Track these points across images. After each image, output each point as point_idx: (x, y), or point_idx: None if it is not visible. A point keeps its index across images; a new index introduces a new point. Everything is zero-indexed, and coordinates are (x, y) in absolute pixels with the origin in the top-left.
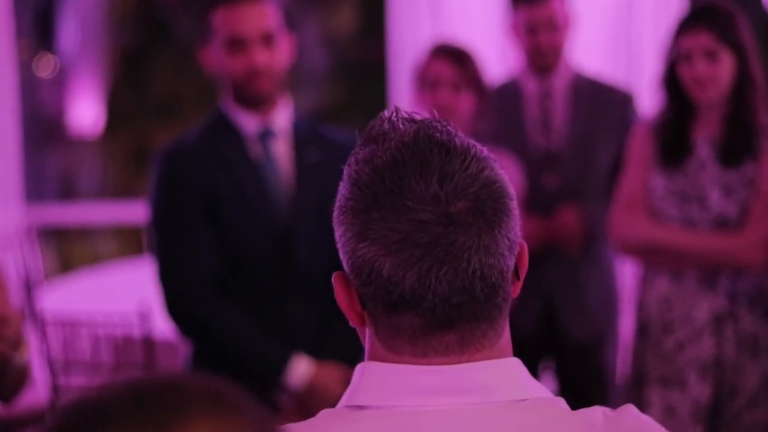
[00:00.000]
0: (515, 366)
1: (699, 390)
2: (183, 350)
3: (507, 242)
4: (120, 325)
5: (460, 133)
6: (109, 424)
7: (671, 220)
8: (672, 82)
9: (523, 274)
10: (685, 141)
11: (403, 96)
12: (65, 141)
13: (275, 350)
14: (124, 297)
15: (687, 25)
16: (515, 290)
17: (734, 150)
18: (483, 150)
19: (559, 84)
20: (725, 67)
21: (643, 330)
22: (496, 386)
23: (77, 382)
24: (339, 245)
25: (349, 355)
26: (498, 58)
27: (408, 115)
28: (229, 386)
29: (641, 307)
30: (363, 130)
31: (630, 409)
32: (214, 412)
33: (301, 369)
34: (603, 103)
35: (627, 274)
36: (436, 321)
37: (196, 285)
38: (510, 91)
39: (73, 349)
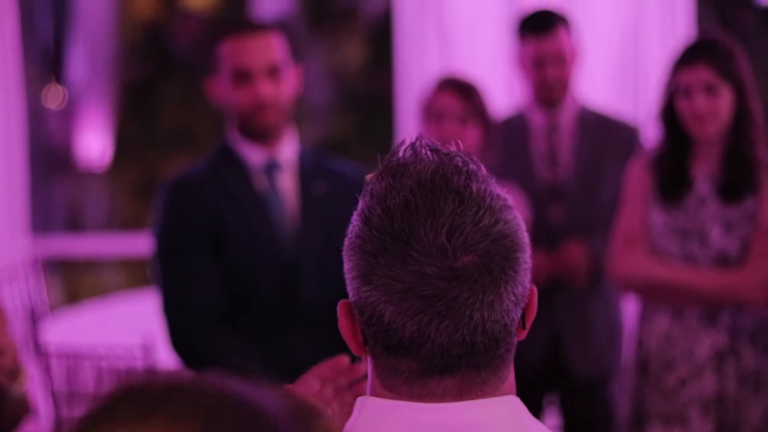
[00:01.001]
0: (514, 404)
1: (701, 427)
2: None
3: (513, 297)
4: (123, 357)
5: (483, 171)
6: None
7: (672, 257)
8: (670, 116)
9: (529, 323)
10: (684, 176)
11: (410, 128)
12: (72, 172)
13: (278, 385)
14: (129, 329)
15: (686, 60)
16: (520, 336)
17: (734, 186)
18: (500, 197)
19: (566, 117)
20: (724, 102)
21: (642, 367)
22: (495, 424)
23: (80, 414)
24: (346, 278)
25: None
26: (505, 91)
27: (432, 144)
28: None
29: (640, 344)
30: (384, 156)
31: None
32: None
33: None
34: (609, 136)
35: (627, 310)
36: (434, 367)
37: (199, 318)
38: (516, 124)
39: (76, 381)
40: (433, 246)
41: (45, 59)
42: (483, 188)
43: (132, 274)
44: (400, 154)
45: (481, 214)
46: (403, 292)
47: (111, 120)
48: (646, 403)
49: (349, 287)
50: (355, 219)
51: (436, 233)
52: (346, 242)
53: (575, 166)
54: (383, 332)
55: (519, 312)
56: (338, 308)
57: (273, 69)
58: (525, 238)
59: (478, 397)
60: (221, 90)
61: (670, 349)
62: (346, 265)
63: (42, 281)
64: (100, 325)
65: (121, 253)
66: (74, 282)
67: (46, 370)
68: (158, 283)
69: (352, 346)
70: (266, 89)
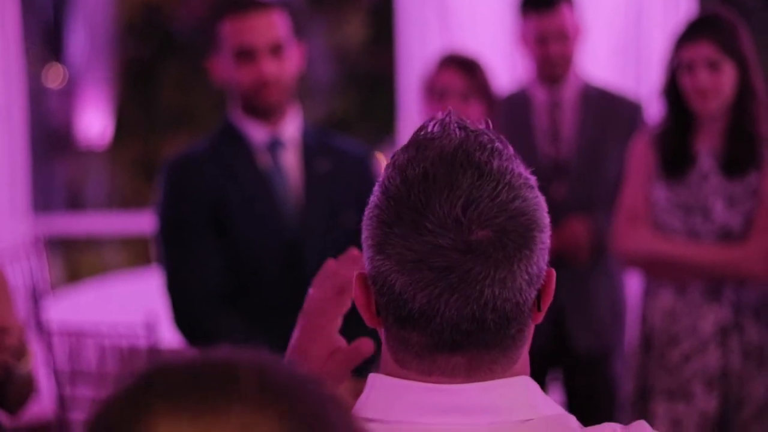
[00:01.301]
0: (525, 384)
1: (705, 402)
2: None
3: (527, 276)
4: (126, 335)
5: (509, 150)
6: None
7: (675, 232)
8: (673, 92)
9: (545, 306)
10: (687, 152)
11: (412, 106)
12: (73, 151)
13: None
14: (131, 307)
15: (689, 36)
16: (537, 318)
17: (737, 161)
18: (521, 176)
19: (569, 94)
20: (727, 77)
21: (646, 342)
22: (504, 406)
23: (83, 392)
24: (363, 247)
25: (359, 366)
26: (507, 68)
27: (461, 121)
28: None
29: (644, 320)
30: (413, 134)
31: (643, 426)
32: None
33: None
34: (612, 112)
35: (630, 286)
36: (443, 343)
37: (203, 296)
38: (519, 100)
39: (78, 359)
40: (447, 218)
41: (45, 38)
42: (505, 165)
43: (132, 253)
44: (429, 128)
45: (499, 189)
46: (416, 263)
47: (111, 99)
48: (650, 379)
49: (365, 257)
50: (375, 189)
51: (452, 205)
52: (366, 212)
53: (578, 142)
54: (394, 302)
55: (533, 292)
56: (353, 279)
57: (276, 47)
58: (544, 218)
59: (487, 376)
60: (224, 69)
61: (673, 325)
62: (363, 234)
63: (43, 260)
64: (101, 303)
65: (122, 231)
66: (75, 260)
67: (49, 348)
68: (162, 262)
69: (365, 316)
70: (269, 67)
